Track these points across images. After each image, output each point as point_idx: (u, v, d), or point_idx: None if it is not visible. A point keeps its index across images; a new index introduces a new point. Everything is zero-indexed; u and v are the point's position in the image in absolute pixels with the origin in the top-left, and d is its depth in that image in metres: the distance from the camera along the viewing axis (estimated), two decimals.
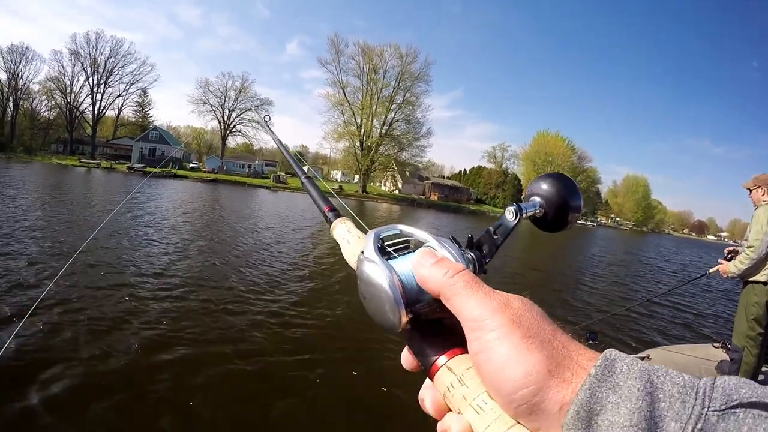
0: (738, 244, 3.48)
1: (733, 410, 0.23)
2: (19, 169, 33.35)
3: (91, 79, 64.97)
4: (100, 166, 52.31)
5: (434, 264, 0.35)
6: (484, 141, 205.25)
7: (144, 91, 65.18)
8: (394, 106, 55.67)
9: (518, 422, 0.28)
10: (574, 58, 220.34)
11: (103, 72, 65.06)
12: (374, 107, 55.31)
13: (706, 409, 0.23)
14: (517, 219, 0.42)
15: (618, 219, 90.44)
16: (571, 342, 0.29)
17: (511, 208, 0.42)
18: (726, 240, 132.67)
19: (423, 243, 0.41)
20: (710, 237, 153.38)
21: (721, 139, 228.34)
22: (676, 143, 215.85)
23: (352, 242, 0.54)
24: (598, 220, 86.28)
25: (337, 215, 0.62)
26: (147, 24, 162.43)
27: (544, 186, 0.43)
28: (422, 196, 59.22)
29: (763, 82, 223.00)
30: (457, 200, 60.07)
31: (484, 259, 0.42)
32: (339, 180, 64.71)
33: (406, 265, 0.38)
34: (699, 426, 0.23)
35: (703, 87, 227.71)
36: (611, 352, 0.27)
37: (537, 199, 0.43)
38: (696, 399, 0.24)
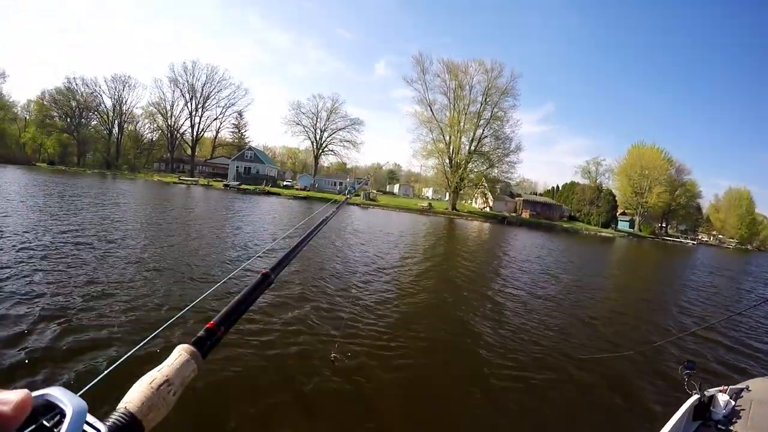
0: None
1: None
2: (127, 185, 37.52)
3: (189, 103, 70.61)
4: (198, 183, 56.15)
5: None
6: (578, 156, 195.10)
7: (240, 113, 69.55)
8: (482, 121, 54.80)
9: None
10: (669, 64, 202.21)
11: (200, 97, 70.53)
12: (462, 123, 54.73)
13: None
14: None
15: (720, 236, 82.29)
16: None
17: None
18: None
19: None
20: None
21: None
22: None
23: None
24: (699, 237, 79.00)
25: None
26: (244, 51, 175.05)
27: None
28: (513, 214, 57.44)
29: None
30: (549, 217, 57.58)
31: None
32: (430, 197, 64.72)
33: None
34: None
35: None
36: None
37: None
38: None
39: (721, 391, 2.85)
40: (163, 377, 0.44)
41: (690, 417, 2.60)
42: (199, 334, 0.49)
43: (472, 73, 55.04)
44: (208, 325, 0.50)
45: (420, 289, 8.72)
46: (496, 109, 54.79)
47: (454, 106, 55.65)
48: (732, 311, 9.42)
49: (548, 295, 9.89)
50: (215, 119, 69.73)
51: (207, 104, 70.57)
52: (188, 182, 56.22)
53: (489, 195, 57.89)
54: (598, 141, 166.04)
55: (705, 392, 2.75)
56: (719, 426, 2.59)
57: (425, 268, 11.39)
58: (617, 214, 64.40)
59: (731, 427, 2.59)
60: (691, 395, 2.65)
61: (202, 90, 70.47)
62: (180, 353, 0.46)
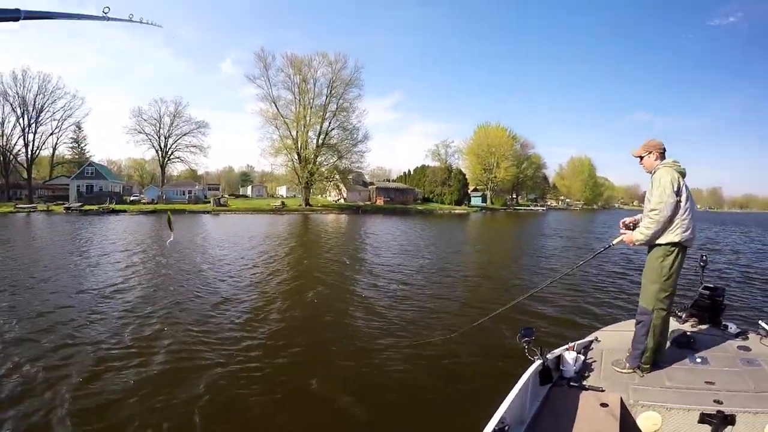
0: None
1: None
2: None
3: (21, 119, 62.96)
4: (37, 210, 50.83)
5: None
6: (431, 140, 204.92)
7: (78, 125, 63.63)
8: (328, 114, 55.39)
9: None
10: (508, 47, 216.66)
11: (33, 110, 63.24)
12: (308, 118, 54.91)
13: None
14: None
15: (568, 200, 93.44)
16: None
17: None
18: None
19: None
20: None
21: (661, 111, 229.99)
22: (620, 121, 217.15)
23: None
24: (548, 203, 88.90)
25: None
26: (78, 56, 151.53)
27: None
28: (368, 202, 59.84)
29: (698, 54, 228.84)
30: (403, 202, 60.93)
31: None
32: (284, 196, 64.62)
33: None
34: None
35: (640, 61, 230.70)
36: None
37: None
38: None
39: (568, 349, 2.80)
40: None
41: (536, 382, 2.49)
42: None
43: (317, 66, 55.29)
44: None
45: (265, 291, 8.37)
46: (341, 101, 55.78)
47: (299, 100, 55.47)
48: (562, 273, 8.27)
49: (396, 276, 9.98)
50: (51, 134, 63.13)
51: (41, 118, 63.33)
52: (26, 209, 50.30)
53: (342, 186, 59.61)
54: (448, 125, 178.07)
55: (548, 355, 2.61)
56: (572, 383, 2.55)
57: (273, 271, 10.77)
58: (469, 191, 70.09)
59: (584, 382, 2.56)
60: (533, 361, 2.53)
61: (35, 102, 63.19)
62: None
